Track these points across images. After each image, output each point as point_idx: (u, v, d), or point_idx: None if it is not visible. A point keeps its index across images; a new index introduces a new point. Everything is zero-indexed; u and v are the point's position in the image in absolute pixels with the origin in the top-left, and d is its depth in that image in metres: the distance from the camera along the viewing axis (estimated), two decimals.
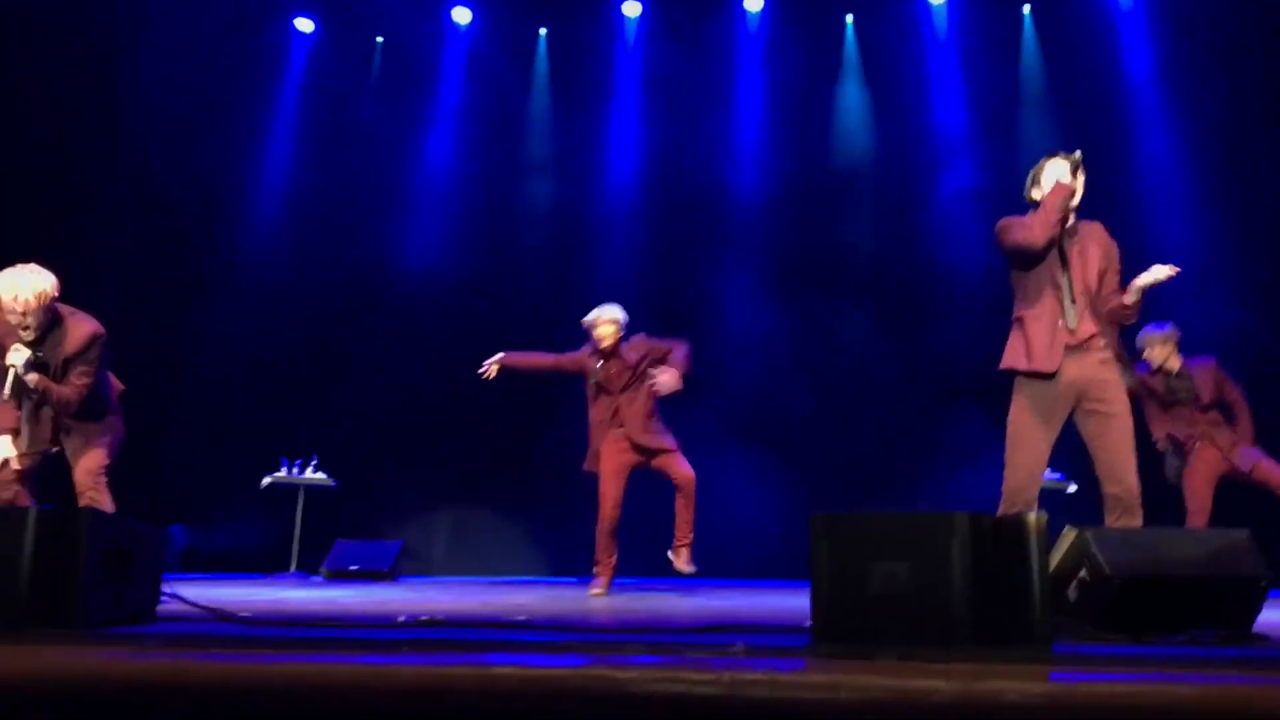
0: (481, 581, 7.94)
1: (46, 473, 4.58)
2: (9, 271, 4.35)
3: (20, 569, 2.60)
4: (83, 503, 4.35)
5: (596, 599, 5.39)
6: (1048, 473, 4.19)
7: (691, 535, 6.03)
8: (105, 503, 4.39)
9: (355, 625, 2.81)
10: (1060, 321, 4.06)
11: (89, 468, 4.41)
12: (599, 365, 6.18)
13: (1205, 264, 8.25)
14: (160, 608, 3.09)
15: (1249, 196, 8.46)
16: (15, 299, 4.29)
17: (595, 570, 5.98)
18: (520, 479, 9.02)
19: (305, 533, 8.41)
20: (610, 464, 6.02)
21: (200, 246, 9.19)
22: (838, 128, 9.57)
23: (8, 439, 4.41)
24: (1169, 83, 8.98)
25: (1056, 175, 4.16)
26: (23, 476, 4.40)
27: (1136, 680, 2.00)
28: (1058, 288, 4.11)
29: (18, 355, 4.34)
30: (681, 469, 6.02)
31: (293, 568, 8.31)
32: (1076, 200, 4.18)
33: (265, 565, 8.46)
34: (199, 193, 9.08)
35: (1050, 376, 4.01)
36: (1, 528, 2.63)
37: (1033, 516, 2.44)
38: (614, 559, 6.00)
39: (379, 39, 10.05)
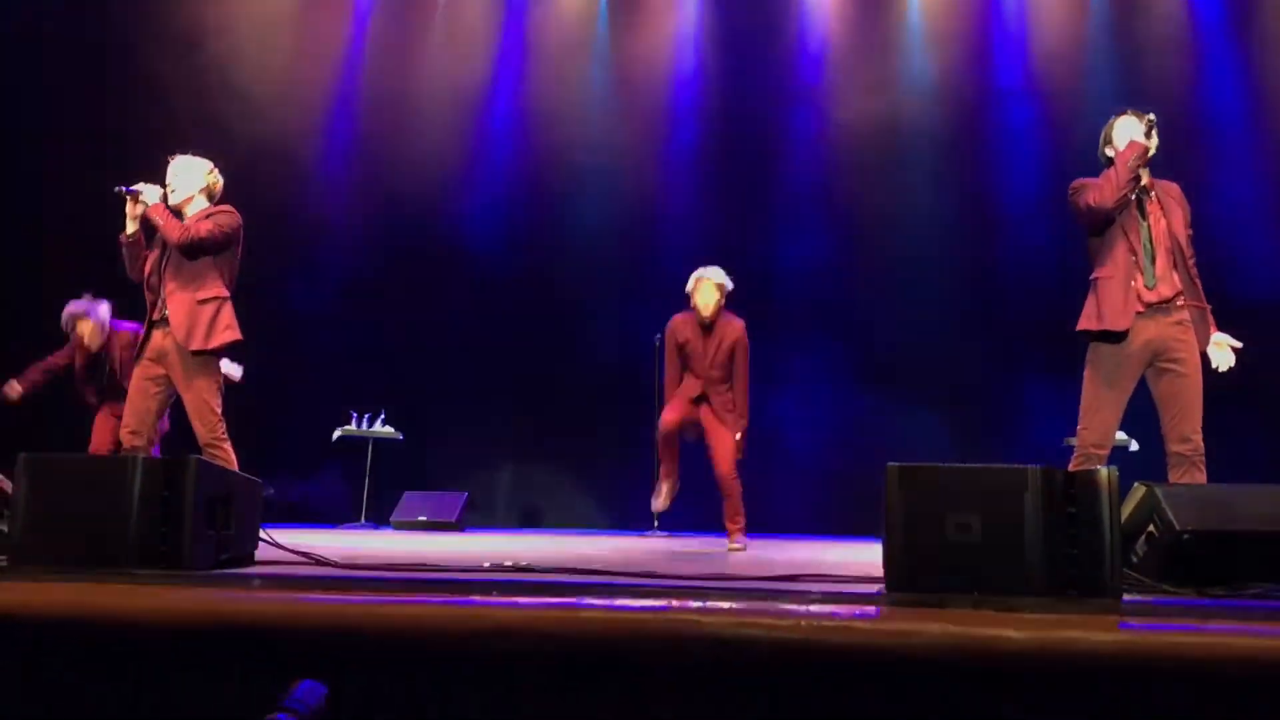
0: (545, 532, 8.11)
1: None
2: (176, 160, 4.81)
3: (129, 515, 2.75)
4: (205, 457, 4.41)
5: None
6: None
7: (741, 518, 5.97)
8: (230, 458, 4.48)
9: (443, 569, 2.94)
10: (1135, 282, 4.05)
11: (206, 421, 4.48)
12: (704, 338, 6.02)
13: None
14: (257, 552, 3.24)
15: None
16: (177, 159, 4.77)
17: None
18: (580, 433, 9.15)
19: (374, 484, 8.63)
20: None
21: (268, 205, 9.33)
22: (897, 93, 9.45)
23: (158, 189, 4.64)
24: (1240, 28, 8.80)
25: (1129, 133, 4.13)
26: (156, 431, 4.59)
27: (1203, 631, 2.05)
28: (1134, 249, 4.09)
29: (151, 191, 4.60)
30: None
31: (363, 518, 8.53)
32: (1150, 154, 4.16)
33: (336, 516, 8.69)
34: (267, 152, 9.23)
35: (1122, 336, 4.02)
36: (110, 476, 2.78)
37: (1104, 471, 2.49)
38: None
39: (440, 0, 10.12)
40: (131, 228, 4.60)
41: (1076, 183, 4.22)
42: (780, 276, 9.08)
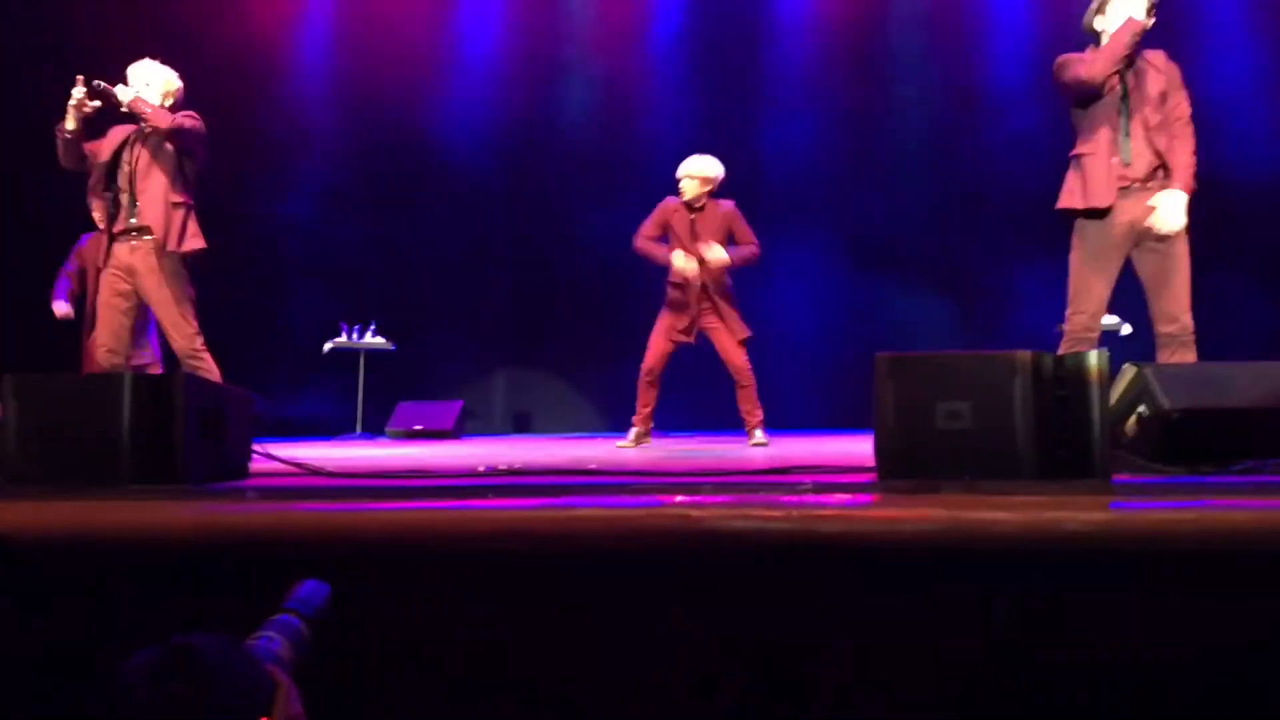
0: (541, 437, 8.16)
1: None
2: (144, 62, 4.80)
3: (121, 430, 2.74)
4: (186, 370, 4.42)
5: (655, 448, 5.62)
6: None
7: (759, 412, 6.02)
8: (212, 369, 4.46)
9: (439, 475, 2.96)
10: (1115, 158, 4.02)
11: (182, 332, 4.47)
12: (690, 221, 6.02)
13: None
14: (251, 465, 3.25)
15: None
16: (139, 65, 4.75)
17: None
18: (574, 337, 9.15)
19: (368, 396, 8.65)
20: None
21: (250, 118, 9.20)
22: None
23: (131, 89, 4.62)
24: None
25: (1128, 9, 4.03)
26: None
27: (1195, 507, 2.07)
28: (1114, 124, 4.04)
29: (124, 91, 4.59)
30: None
31: (358, 429, 8.57)
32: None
33: (331, 428, 8.72)
34: (242, 61, 9.05)
35: (1106, 212, 3.99)
36: (101, 394, 2.77)
37: (1094, 355, 2.49)
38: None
39: None
40: (73, 124, 4.53)
41: (1061, 58, 4.15)
42: (766, 167, 8.99)
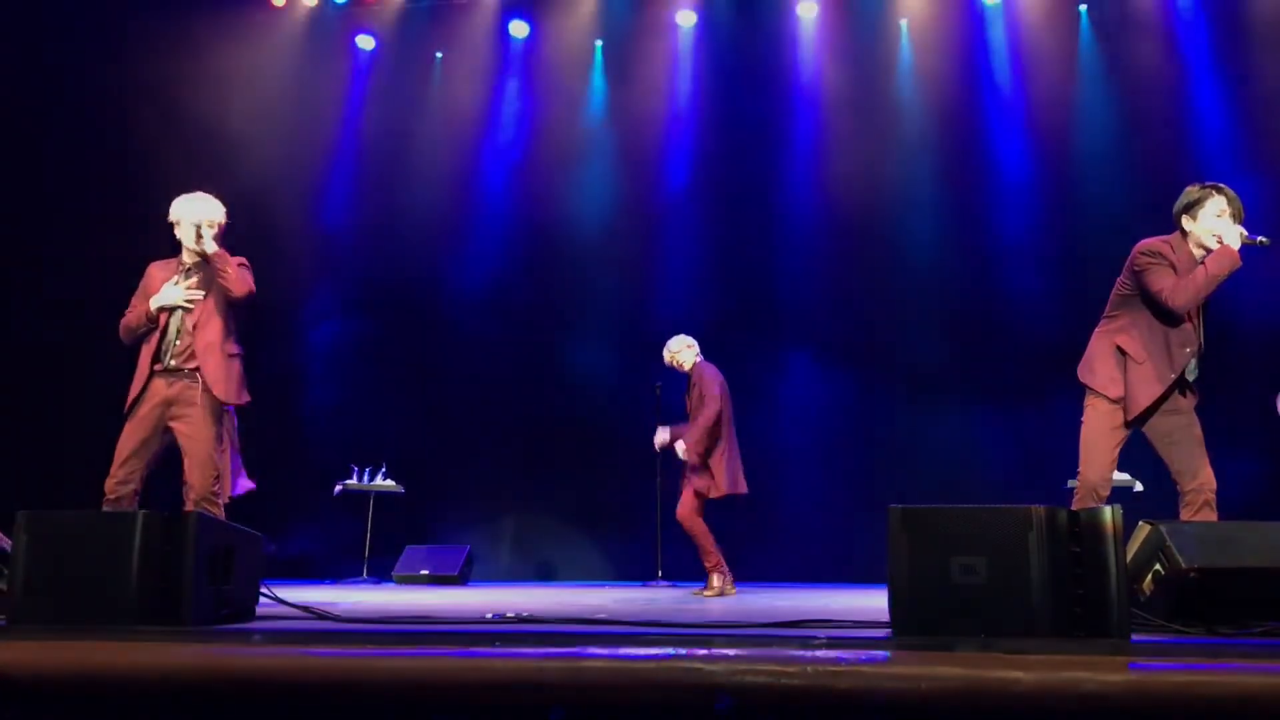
0: (548, 584, 8.05)
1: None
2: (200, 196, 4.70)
3: (130, 569, 2.73)
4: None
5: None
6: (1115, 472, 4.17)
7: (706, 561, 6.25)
8: (220, 515, 4.36)
9: (445, 622, 2.91)
10: (1173, 371, 3.96)
11: (206, 475, 4.37)
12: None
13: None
14: (258, 607, 3.21)
15: None
16: (194, 201, 4.66)
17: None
18: (582, 485, 9.11)
19: (376, 539, 8.58)
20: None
21: (267, 261, 9.37)
22: (892, 126, 9.48)
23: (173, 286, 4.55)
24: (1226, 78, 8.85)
25: (1222, 228, 3.91)
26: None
27: (1214, 670, 2.03)
28: (1187, 340, 4.00)
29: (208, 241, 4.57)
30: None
31: (365, 573, 8.47)
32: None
33: (338, 571, 8.63)
34: (267, 208, 9.29)
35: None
36: (112, 530, 2.76)
37: (1109, 510, 2.48)
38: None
39: (438, 54, 10.22)
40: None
41: (1146, 250, 3.99)
42: (777, 321, 9.10)
